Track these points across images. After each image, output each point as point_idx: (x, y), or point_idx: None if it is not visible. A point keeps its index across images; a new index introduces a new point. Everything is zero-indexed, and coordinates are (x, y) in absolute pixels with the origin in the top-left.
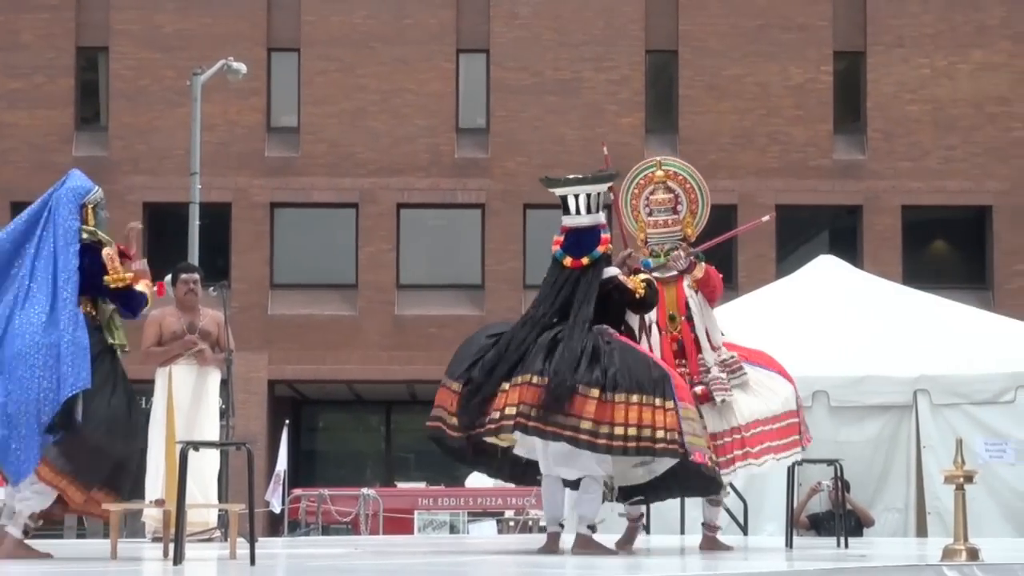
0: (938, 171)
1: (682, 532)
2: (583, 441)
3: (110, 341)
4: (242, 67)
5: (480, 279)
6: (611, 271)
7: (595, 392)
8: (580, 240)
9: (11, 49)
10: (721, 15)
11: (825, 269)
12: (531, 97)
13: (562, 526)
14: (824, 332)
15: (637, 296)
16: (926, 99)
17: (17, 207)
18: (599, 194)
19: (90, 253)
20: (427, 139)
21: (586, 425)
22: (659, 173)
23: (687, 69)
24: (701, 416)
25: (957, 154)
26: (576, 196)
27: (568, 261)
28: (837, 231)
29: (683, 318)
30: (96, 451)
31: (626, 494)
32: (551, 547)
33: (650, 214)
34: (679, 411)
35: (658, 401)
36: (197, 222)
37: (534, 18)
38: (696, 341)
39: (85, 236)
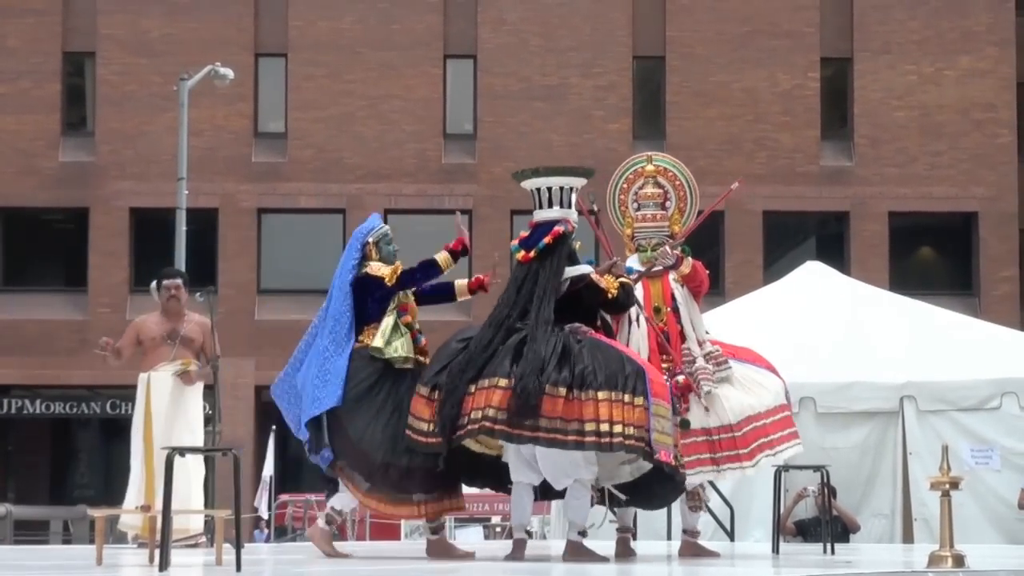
0: (925, 177)
1: (668, 538)
2: (542, 439)
3: (388, 356)
4: (229, 72)
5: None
6: (583, 268)
7: (562, 391)
8: (535, 233)
9: None
10: (708, 21)
11: (812, 275)
12: (518, 103)
13: (530, 534)
14: (811, 338)
15: (609, 296)
16: (913, 105)
17: (4, 213)
18: (570, 188)
19: (364, 283)
20: (414, 144)
21: (553, 424)
22: (649, 168)
23: (674, 75)
24: (675, 413)
25: (943, 160)
26: (539, 189)
27: (520, 255)
28: (824, 237)
29: (669, 309)
30: (383, 467)
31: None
32: (517, 554)
33: (638, 208)
34: (650, 407)
35: (627, 397)
36: (184, 228)
37: (522, 24)
38: (681, 332)
39: (364, 271)
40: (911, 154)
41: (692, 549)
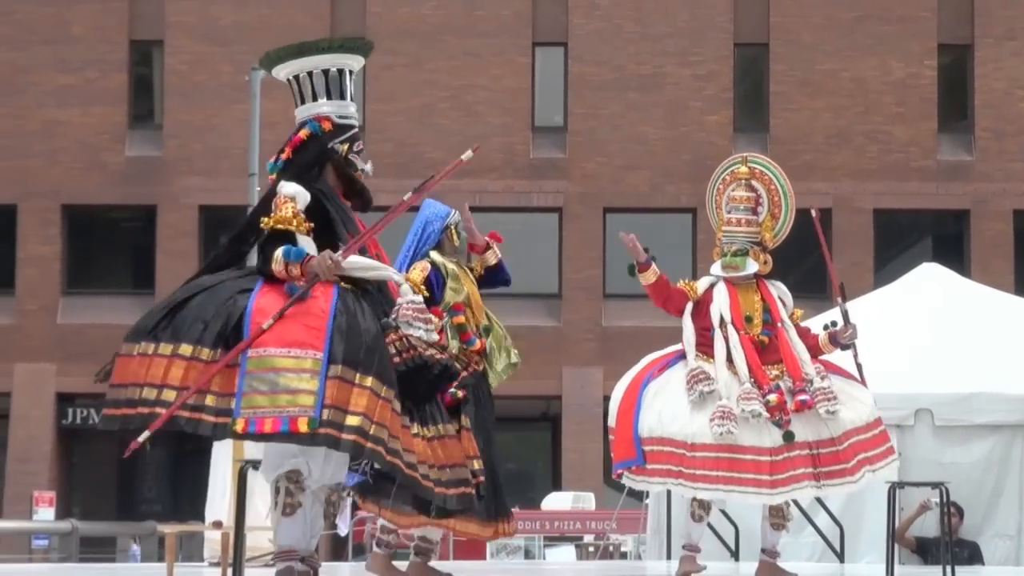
0: None
1: (736, 559)
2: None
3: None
4: None
5: (557, 287)
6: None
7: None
8: None
9: (62, 42)
10: (815, 6)
11: (928, 278)
12: (612, 93)
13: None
14: (927, 346)
15: None
16: None
17: (69, 210)
18: (346, 72)
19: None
20: (501, 138)
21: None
22: (743, 169)
23: (779, 63)
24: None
25: None
26: (299, 77)
27: None
28: (941, 237)
29: (780, 325)
30: None
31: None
32: None
33: (729, 212)
34: (243, 363)
35: (190, 350)
36: None
37: (615, 9)
38: (793, 347)
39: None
40: None
41: (770, 571)
